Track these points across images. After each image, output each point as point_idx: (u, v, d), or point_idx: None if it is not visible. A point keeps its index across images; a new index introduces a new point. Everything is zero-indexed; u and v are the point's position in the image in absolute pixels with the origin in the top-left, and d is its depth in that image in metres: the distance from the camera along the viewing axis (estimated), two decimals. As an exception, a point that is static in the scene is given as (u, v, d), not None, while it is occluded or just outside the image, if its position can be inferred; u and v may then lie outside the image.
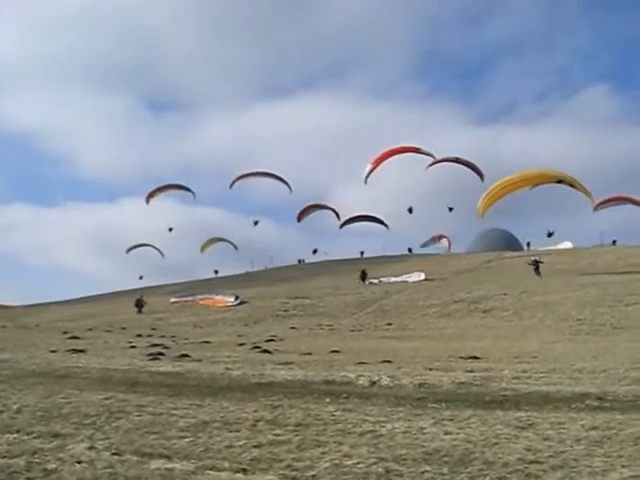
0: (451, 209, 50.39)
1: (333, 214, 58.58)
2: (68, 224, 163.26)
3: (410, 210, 50.54)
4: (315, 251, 72.01)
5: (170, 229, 59.28)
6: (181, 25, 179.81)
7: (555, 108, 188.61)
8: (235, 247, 62.59)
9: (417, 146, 44.70)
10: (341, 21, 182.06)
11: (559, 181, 38.62)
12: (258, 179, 53.53)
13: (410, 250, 78.33)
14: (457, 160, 46.44)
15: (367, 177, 45.66)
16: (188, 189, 56.00)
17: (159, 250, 60.16)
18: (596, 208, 52.06)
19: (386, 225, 57.75)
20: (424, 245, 61.59)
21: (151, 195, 54.99)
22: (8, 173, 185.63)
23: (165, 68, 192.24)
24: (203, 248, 62.04)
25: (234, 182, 52.03)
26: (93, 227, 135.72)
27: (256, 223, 55.91)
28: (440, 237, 58.69)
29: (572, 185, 38.51)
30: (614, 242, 66.11)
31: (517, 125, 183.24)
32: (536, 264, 42.79)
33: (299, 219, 57.94)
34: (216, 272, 76.19)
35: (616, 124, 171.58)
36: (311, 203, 59.01)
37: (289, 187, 52.33)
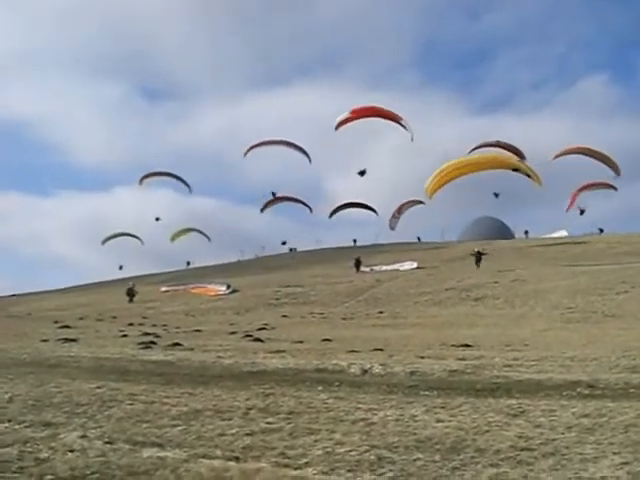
0: (497, 195, 49.20)
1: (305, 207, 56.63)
2: (61, 213, 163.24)
3: (362, 173, 47.52)
4: (284, 243, 70.85)
5: (157, 219, 58.33)
6: (175, 14, 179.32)
7: (553, 98, 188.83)
8: (208, 238, 60.82)
9: (401, 116, 41.41)
10: (337, 10, 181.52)
11: (515, 169, 37.59)
12: (274, 149, 49.05)
13: (419, 239, 78.04)
14: (498, 144, 44.74)
15: (340, 125, 40.67)
16: (185, 182, 54.71)
17: (138, 237, 58.95)
18: (573, 201, 52.41)
19: (375, 211, 56.90)
20: (392, 227, 58.44)
21: (145, 177, 53.44)
22: (1, 162, 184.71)
23: (160, 57, 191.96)
24: (173, 238, 60.10)
25: (249, 150, 48.36)
26: (86, 216, 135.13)
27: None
28: (399, 210, 55.65)
29: (528, 175, 37.06)
30: (601, 230, 66.44)
31: (515, 115, 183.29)
32: (479, 255, 42.57)
33: (262, 210, 56.07)
34: (188, 263, 75.69)
35: (614, 114, 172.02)
36: (280, 194, 56.89)
37: (308, 157, 48.17)
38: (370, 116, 40.24)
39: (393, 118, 40.37)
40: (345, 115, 40.60)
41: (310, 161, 48.05)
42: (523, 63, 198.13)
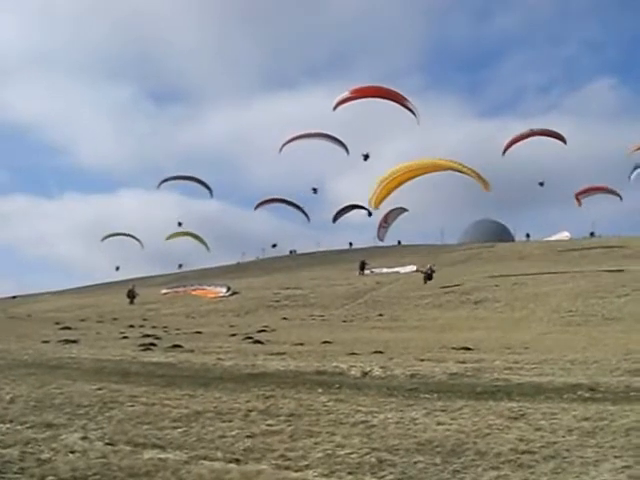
0: (542, 184, 48.65)
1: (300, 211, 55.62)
2: (65, 215, 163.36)
3: (366, 157, 46.25)
4: (274, 245, 70.82)
5: (179, 224, 57.77)
6: (184, 16, 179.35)
7: (560, 101, 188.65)
8: (208, 248, 60.07)
9: (405, 97, 37.76)
10: (345, 12, 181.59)
11: (459, 171, 36.04)
12: (309, 142, 45.27)
13: (350, 244, 78.21)
14: (533, 133, 43.43)
15: (339, 104, 37.85)
16: (207, 186, 53.53)
17: (139, 240, 58.43)
18: (577, 199, 52.01)
19: (369, 212, 56.40)
20: (381, 238, 57.40)
21: (165, 180, 52.60)
22: (8, 163, 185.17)
23: (168, 59, 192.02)
24: (169, 238, 59.37)
25: (284, 145, 44.94)
26: (90, 218, 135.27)
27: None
28: (385, 220, 54.45)
29: (471, 176, 34.95)
30: (592, 234, 66.46)
31: (521, 118, 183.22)
32: (430, 273, 40.79)
33: (256, 208, 55.38)
34: (180, 266, 75.33)
35: (622, 117, 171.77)
36: (273, 197, 55.98)
37: (346, 149, 44.80)
38: (371, 96, 37.54)
39: (397, 99, 37.57)
40: (344, 94, 37.85)
41: (348, 152, 44.96)
42: (530, 66, 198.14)
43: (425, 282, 40.33)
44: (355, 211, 56.47)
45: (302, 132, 44.91)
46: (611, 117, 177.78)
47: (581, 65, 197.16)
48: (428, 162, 37.08)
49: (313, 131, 44.97)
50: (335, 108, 38.17)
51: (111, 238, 57.33)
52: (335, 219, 58.18)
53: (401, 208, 52.47)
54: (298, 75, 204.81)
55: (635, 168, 47.80)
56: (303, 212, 54.92)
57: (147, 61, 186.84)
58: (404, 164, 37.22)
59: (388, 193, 36.80)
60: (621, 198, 51.41)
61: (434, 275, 40.45)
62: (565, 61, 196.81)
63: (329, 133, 44.23)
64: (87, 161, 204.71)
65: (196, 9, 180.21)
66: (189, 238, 58.40)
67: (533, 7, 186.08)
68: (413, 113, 37.76)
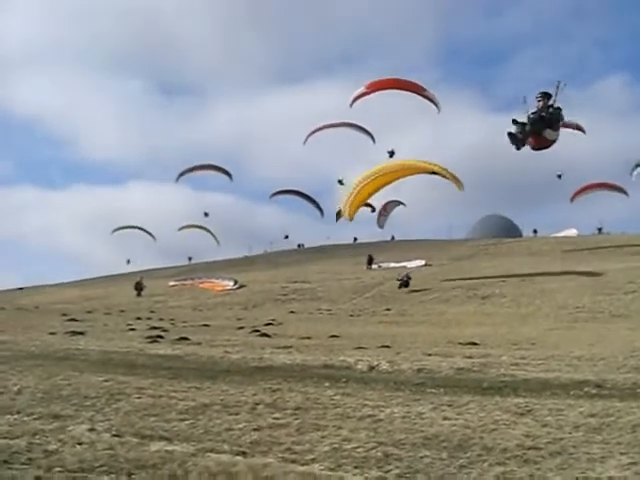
0: (560, 176, 48.49)
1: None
2: (73, 207, 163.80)
3: (391, 153, 45.66)
4: (286, 237, 71.27)
5: (206, 214, 57.79)
6: (194, 10, 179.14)
7: (572, 97, 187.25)
8: (218, 242, 59.99)
9: (424, 87, 36.11)
10: (357, 6, 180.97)
11: (433, 172, 34.95)
12: (333, 132, 43.31)
13: (355, 239, 78.03)
14: (578, 127, 42.37)
15: (355, 100, 36.83)
16: (227, 172, 53.20)
17: (150, 234, 58.51)
18: (573, 199, 51.77)
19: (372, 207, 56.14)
20: (381, 226, 56.76)
21: (189, 170, 51.95)
22: (17, 155, 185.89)
23: (177, 52, 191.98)
24: (182, 229, 59.33)
25: (309, 136, 43.51)
26: (98, 210, 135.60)
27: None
28: (385, 209, 53.54)
29: (444, 176, 34.79)
30: (599, 230, 66.27)
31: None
32: (406, 281, 39.39)
33: (271, 196, 55.02)
34: (190, 259, 75.75)
35: (633, 114, 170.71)
36: (290, 188, 55.35)
37: (372, 138, 43.04)
38: (388, 89, 36.18)
39: (415, 89, 36.30)
40: (360, 90, 36.78)
41: (374, 141, 43.35)
42: (542, 62, 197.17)
43: (400, 287, 39.10)
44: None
45: (326, 123, 43.35)
46: (622, 114, 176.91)
47: (592, 62, 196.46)
48: (399, 165, 36.17)
49: (337, 121, 43.25)
50: (352, 104, 37.39)
51: (120, 231, 57.54)
52: (337, 218, 58.15)
53: (398, 201, 52.48)
54: (308, 70, 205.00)
55: (637, 166, 47.46)
56: (317, 206, 54.74)
57: (155, 54, 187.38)
58: (374, 169, 36.15)
59: (362, 202, 36.28)
60: (627, 194, 51.01)
61: (410, 282, 38.99)
62: (576, 58, 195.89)
63: (354, 122, 42.39)
64: (95, 153, 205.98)
65: (205, 2, 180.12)
66: (198, 231, 58.62)
67: (544, 4, 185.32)
68: (434, 103, 36.74)
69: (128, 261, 63.38)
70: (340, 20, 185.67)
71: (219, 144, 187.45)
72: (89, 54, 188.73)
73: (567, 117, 24.08)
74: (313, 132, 43.30)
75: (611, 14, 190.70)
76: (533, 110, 19.10)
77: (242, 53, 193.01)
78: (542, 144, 20.02)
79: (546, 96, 19.04)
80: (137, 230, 57.90)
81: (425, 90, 36.37)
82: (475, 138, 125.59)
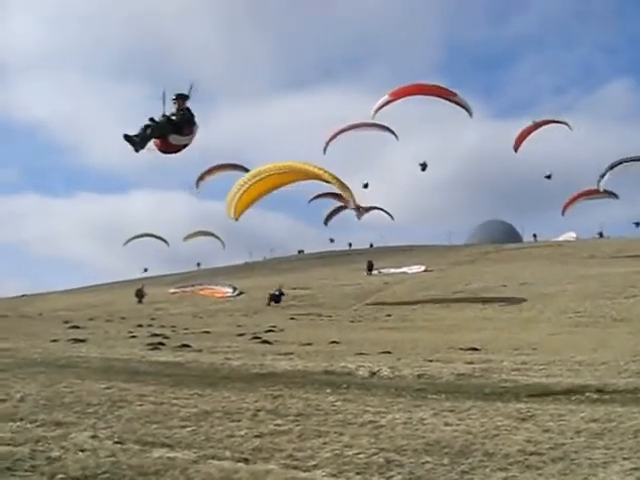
0: (549, 176, 48.67)
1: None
2: (76, 213, 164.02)
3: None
4: (332, 240, 72.62)
5: (365, 185, 56.79)
6: (200, 16, 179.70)
7: (576, 102, 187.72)
8: (223, 245, 59.85)
9: (452, 91, 34.37)
10: (361, 11, 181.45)
11: (326, 181, 33.35)
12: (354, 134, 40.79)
13: (371, 245, 78.35)
14: (536, 124, 44.20)
15: (378, 109, 35.76)
16: (244, 168, 50.72)
17: (163, 239, 58.21)
18: (564, 212, 51.71)
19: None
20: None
21: (208, 172, 48.78)
22: (20, 162, 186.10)
23: (183, 58, 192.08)
24: (187, 238, 59.27)
25: (329, 141, 40.80)
26: (101, 217, 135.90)
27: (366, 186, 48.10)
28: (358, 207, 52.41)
29: (332, 183, 33.55)
30: (600, 235, 66.40)
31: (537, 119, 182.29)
32: (278, 295, 39.08)
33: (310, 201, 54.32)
34: (198, 264, 76.06)
35: (638, 119, 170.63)
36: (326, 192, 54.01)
37: (395, 135, 41.06)
38: (414, 94, 34.76)
39: (443, 94, 34.59)
40: (384, 99, 35.54)
41: (397, 138, 41.34)
42: (547, 67, 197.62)
43: (269, 304, 38.59)
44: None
45: (346, 125, 40.91)
46: (627, 119, 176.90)
47: (597, 67, 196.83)
48: (288, 167, 34.02)
49: (358, 122, 40.80)
50: (375, 113, 36.47)
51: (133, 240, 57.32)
52: (326, 221, 58.02)
53: (377, 207, 52.51)
54: (313, 75, 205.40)
55: (601, 177, 46.59)
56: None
57: (159, 60, 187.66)
58: (260, 168, 34.28)
59: (250, 203, 34.23)
60: (617, 197, 50.51)
61: (283, 298, 38.68)
62: (581, 63, 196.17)
63: (375, 122, 39.59)
64: (98, 160, 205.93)
65: (209, 8, 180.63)
66: (202, 237, 58.71)
67: (548, 9, 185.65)
68: (465, 108, 35.38)
69: (145, 269, 63.96)
70: (344, 26, 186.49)
71: (222, 150, 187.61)
72: (93, 61, 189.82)
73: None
74: (333, 137, 41.05)
75: (615, 19, 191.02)
76: (173, 112, 18.38)
77: (246, 59, 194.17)
78: (169, 149, 19.46)
79: (181, 97, 18.35)
80: (145, 237, 57.69)
81: (454, 95, 35.05)
82: (476, 143, 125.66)
